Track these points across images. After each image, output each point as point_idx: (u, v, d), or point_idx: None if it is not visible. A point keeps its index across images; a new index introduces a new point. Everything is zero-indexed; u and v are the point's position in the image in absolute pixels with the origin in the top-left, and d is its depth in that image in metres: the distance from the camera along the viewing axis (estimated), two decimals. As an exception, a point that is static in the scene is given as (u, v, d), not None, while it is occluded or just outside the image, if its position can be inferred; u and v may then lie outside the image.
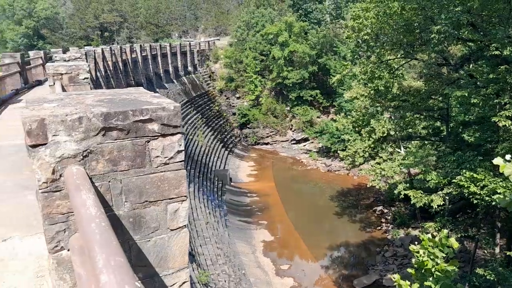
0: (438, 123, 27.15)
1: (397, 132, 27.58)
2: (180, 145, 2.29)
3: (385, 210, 33.26)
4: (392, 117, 27.59)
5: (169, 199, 2.32)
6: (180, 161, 2.31)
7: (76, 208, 1.61)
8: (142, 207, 2.25)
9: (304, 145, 47.39)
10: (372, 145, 28.75)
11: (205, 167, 37.56)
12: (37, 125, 1.93)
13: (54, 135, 1.97)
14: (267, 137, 49.30)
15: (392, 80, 19.59)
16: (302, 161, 44.95)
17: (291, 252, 28.65)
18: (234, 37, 52.79)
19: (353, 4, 41.75)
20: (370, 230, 30.96)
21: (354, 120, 28.96)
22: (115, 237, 1.34)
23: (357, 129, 30.57)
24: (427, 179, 19.20)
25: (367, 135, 28.52)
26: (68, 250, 2.11)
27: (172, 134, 2.25)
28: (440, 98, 22.42)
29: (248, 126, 50.06)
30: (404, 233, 29.06)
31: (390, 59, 18.97)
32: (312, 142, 47.00)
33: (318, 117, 47.83)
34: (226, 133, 48.41)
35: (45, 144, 1.96)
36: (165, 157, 2.25)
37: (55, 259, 2.09)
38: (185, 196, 2.37)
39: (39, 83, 18.34)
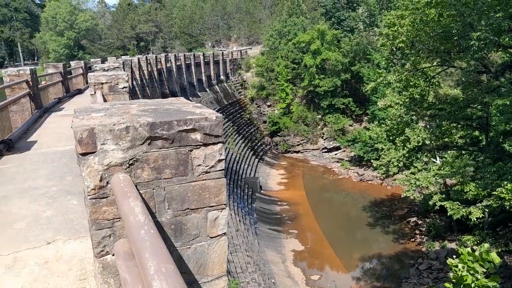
0: (476, 133, 26.19)
1: (432, 142, 26.77)
2: (221, 154, 2.33)
3: (420, 222, 32.30)
4: (428, 126, 26.85)
5: (210, 207, 2.36)
6: (221, 170, 2.35)
7: (125, 215, 1.66)
8: (184, 215, 2.30)
9: (335, 154, 46.83)
10: (407, 155, 28.02)
11: (236, 175, 37.78)
12: (87, 134, 2.02)
13: (102, 144, 2.05)
14: (298, 145, 49.06)
15: (428, 88, 19.08)
16: (333, 170, 44.42)
17: (322, 262, 28.25)
18: (266, 46, 53.14)
19: (387, 11, 41.18)
20: (403, 242, 30.12)
21: (388, 129, 28.37)
22: (164, 244, 1.38)
23: (391, 138, 29.92)
24: (465, 191, 18.51)
25: (402, 144, 27.84)
26: (113, 255, 2.18)
27: (214, 144, 2.29)
28: (479, 107, 21.65)
29: (278, 134, 50.05)
30: (440, 245, 28.09)
31: (426, 67, 18.51)
32: (344, 151, 46.37)
33: (350, 125, 47.21)
34: (256, 141, 48.58)
35: (94, 152, 2.04)
36: (206, 166, 2.29)
37: (101, 263, 2.17)
38: (224, 204, 2.40)
39: (79, 91, 19.10)
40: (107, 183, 2.09)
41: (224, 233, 2.46)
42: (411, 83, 18.50)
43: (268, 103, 52.77)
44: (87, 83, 22.68)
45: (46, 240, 3.99)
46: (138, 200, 1.75)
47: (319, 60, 45.51)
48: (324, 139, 48.39)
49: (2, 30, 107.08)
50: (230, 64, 57.22)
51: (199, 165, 2.28)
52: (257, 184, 38.23)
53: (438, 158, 27.30)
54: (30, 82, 11.98)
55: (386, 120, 30.93)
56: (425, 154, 28.18)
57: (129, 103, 2.76)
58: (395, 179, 30.93)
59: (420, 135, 26.21)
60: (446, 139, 26.40)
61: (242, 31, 73.24)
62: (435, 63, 19.46)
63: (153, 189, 2.20)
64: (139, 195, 1.87)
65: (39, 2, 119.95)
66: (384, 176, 31.95)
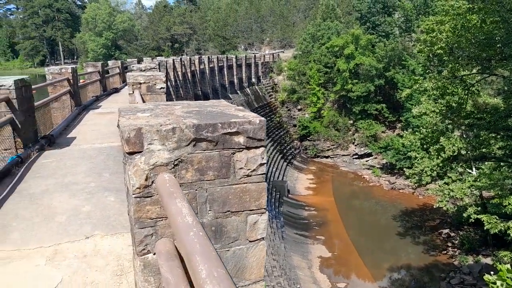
0: (517, 144, 25.06)
1: (469, 152, 25.83)
2: (263, 158, 2.32)
3: (452, 234, 31.24)
4: (464, 136, 25.94)
5: (250, 210, 2.35)
6: (262, 174, 2.35)
7: (172, 216, 1.68)
8: (224, 217, 2.31)
9: (366, 161, 46.01)
10: (441, 164, 27.16)
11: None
12: (135, 133, 2.05)
13: (149, 144, 2.08)
14: (328, 150, 48.51)
15: (466, 96, 18.44)
16: (364, 177, 43.66)
17: (349, 270, 27.80)
18: (299, 49, 52.96)
19: (424, 17, 40.19)
20: (434, 254, 29.22)
21: (422, 137, 27.60)
22: (213, 247, 1.38)
23: (425, 146, 29.11)
24: (504, 204, 17.75)
25: (436, 153, 27.00)
26: (154, 254, 2.20)
27: (256, 147, 2.29)
28: (522, 117, 20.73)
29: (308, 138, 49.67)
30: (473, 260, 27.05)
31: (465, 75, 17.90)
32: (376, 158, 45.49)
33: (383, 132, 46.30)
34: (285, 144, 48.42)
35: (140, 152, 2.08)
36: (248, 169, 2.29)
37: (142, 261, 2.20)
38: (264, 208, 2.39)
39: (116, 90, 19.65)
40: (152, 182, 2.12)
41: (263, 238, 2.44)
42: (448, 91, 17.91)
43: (299, 107, 52.55)
44: (123, 82, 23.30)
45: (85, 235, 4.10)
46: (184, 201, 1.76)
47: (352, 65, 44.93)
48: (355, 145, 47.65)
49: (44, 29, 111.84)
50: (262, 67, 57.40)
51: (241, 168, 2.28)
52: (285, 188, 38.08)
53: (474, 169, 26.32)
54: (71, 80, 12.43)
55: (421, 128, 30.15)
56: (460, 164, 27.23)
57: (173, 104, 2.80)
58: (427, 189, 30.06)
59: (456, 145, 25.33)
60: (483, 150, 25.40)
61: (275, 34, 73.34)
62: (474, 71, 18.78)
63: (195, 190, 2.21)
64: (185, 196, 1.89)
65: (80, 3, 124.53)
66: (416, 185, 31.05)
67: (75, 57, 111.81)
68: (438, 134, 26.07)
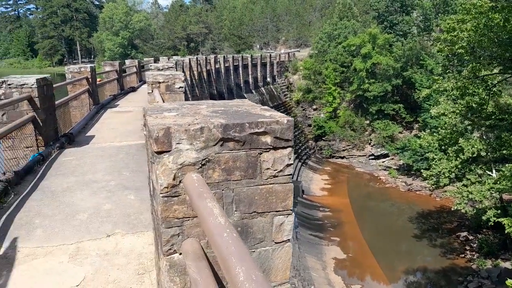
0: (540, 146, 24.44)
1: (489, 153, 25.29)
2: (290, 158, 2.28)
3: (470, 237, 30.63)
4: (484, 137, 25.39)
5: (276, 211, 2.32)
6: (289, 175, 2.31)
7: (203, 216, 1.66)
8: (250, 218, 2.28)
9: (383, 161, 45.45)
10: (460, 166, 26.66)
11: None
12: (163, 133, 2.04)
13: (177, 143, 2.07)
14: (343, 150, 48.09)
15: (488, 97, 18.04)
16: (380, 178, 43.16)
17: (364, 272, 27.53)
18: (315, 49, 52.65)
19: (443, 15, 39.52)
20: (451, 257, 28.70)
21: (440, 138, 27.13)
22: (248, 249, 1.35)
23: (443, 147, 28.60)
24: (525, 207, 17.31)
25: (454, 155, 26.52)
26: (180, 254, 2.19)
27: (283, 148, 2.25)
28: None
29: (323, 138, 49.29)
30: (492, 264, 26.48)
31: (487, 75, 17.50)
32: (392, 159, 44.90)
33: (400, 132, 45.65)
34: (300, 144, 48.18)
35: (169, 151, 2.07)
36: (274, 170, 2.26)
37: (168, 261, 2.19)
38: (290, 209, 2.36)
39: (133, 89, 19.84)
40: (180, 182, 2.11)
41: (289, 240, 2.41)
42: (469, 91, 17.54)
43: (314, 107, 52.23)
44: (140, 81, 23.52)
45: (106, 233, 4.12)
46: (215, 201, 1.74)
47: (369, 64, 44.45)
48: (372, 146, 47.13)
49: (63, 29, 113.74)
50: (277, 66, 57.27)
51: (267, 168, 2.25)
52: (299, 188, 37.90)
53: (494, 171, 25.76)
54: (90, 79, 12.58)
55: (439, 128, 29.63)
56: (480, 166, 26.68)
57: (197, 104, 2.78)
58: (445, 191, 29.53)
59: (476, 146, 24.85)
60: (504, 151, 24.85)
61: (291, 33, 73.10)
62: (495, 71, 18.35)
63: (222, 190, 2.19)
64: (214, 196, 1.87)
65: (97, 3, 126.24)
66: (434, 187, 30.56)
67: (92, 56, 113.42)
68: (457, 135, 25.60)
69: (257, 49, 73.05)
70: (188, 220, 2.17)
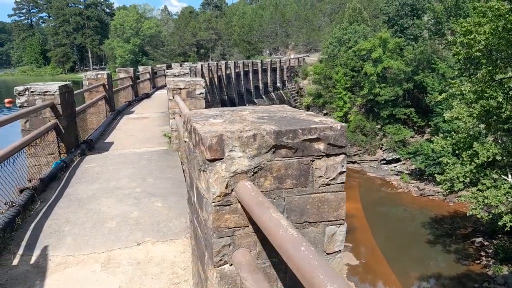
0: (558, 150, 24.02)
1: (504, 157, 24.88)
2: (343, 166, 2.20)
3: (486, 243, 30.11)
4: (500, 141, 24.99)
5: (328, 221, 2.24)
6: (341, 183, 2.23)
7: (268, 227, 1.58)
8: (301, 227, 2.20)
9: (395, 166, 45.03)
10: (474, 170, 26.26)
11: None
12: (216, 140, 1.98)
13: (230, 151, 2.00)
14: (354, 155, 47.73)
15: (505, 100, 17.75)
16: (392, 183, 42.73)
17: (376, 277, 27.20)
18: (325, 53, 52.56)
19: (455, 19, 39.20)
20: (466, 263, 28.21)
21: (454, 142, 26.77)
22: (328, 263, 1.27)
23: (457, 152, 28.22)
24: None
25: (469, 159, 26.13)
26: (231, 265, 2.12)
27: (336, 155, 2.18)
28: None
29: (334, 143, 48.91)
30: (508, 270, 25.99)
31: (504, 78, 17.23)
32: (404, 164, 44.45)
33: (411, 137, 45.23)
34: (311, 150, 47.83)
35: (221, 159, 2.00)
36: (327, 178, 2.18)
37: (219, 272, 2.12)
38: (343, 219, 2.27)
39: (147, 96, 19.93)
40: (232, 190, 2.04)
41: (341, 250, 2.32)
42: (486, 94, 17.29)
43: (324, 111, 52.04)
44: (153, 87, 23.64)
45: (136, 241, 4.07)
46: (278, 211, 1.66)
47: (380, 69, 44.21)
48: (383, 150, 46.74)
49: (75, 37, 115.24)
50: (287, 71, 57.29)
51: (320, 176, 2.17)
52: (311, 193, 37.57)
53: (510, 175, 25.33)
54: (107, 86, 12.65)
55: (452, 132, 29.25)
56: (496, 170, 26.26)
57: (238, 110, 2.72)
58: (460, 196, 29.08)
59: (491, 150, 24.46)
60: (521, 156, 24.43)
61: (300, 38, 73.11)
62: (510, 74, 18.07)
63: (274, 199, 2.12)
64: (274, 206, 1.79)
65: (108, 11, 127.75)
66: (448, 192, 30.16)
67: (103, 63, 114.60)
68: (471, 139, 25.23)
69: (266, 55, 73.16)
70: (240, 229, 2.10)
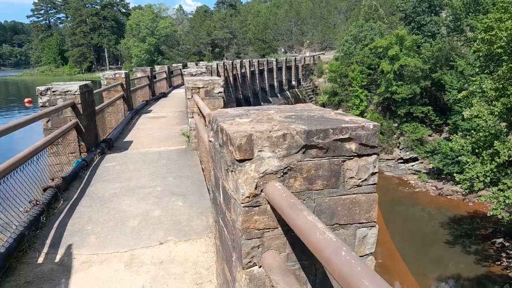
0: None
1: (526, 157, 24.26)
2: (375, 166, 2.14)
3: (507, 243, 29.47)
4: (522, 139, 24.38)
5: (359, 223, 2.18)
6: (373, 184, 2.17)
7: (303, 231, 1.53)
8: (332, 230, 2.14)
9: (412, 165, 44.38)
10: (495, 170, 25.69)
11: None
12: (245, 140, 1.94)
13: (259, 151, 1.97)
14: (371, 154, 47.16)
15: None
16: (409, 182, 42.13)
17: (393, 277, 26.83)
18: (341, 51, 52.11)
19: (474, 15, 38.38)
20: (486, 264, 27.65)
21: (474, 141, 26.23)
22: (371, 269, 1.23)
23: (477, 150, 27.65)
24: None
25: (489, 158, 25.57)
26: (260, 267, 2.08)
27: (368, 155, 2.12)
28: None
29: (350, 142, 48.51)
30: (530, 272, 25.45)
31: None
32: (422, 162, 43.78)
33: (429, 135, 44.49)
34: (327, 148, 47.55)
35: (251, 159, 1.97)
36: (359, 179, 2.12)
37: (248, 274, 2.08)
38: (374, 221, 2.21)
39: (164, 95, 20.04)
40: (261, 191, 2.00)
41: (372, 253, 2.27)
42: (507, 92, 16.87)
43: (340, 110, 51.60)
44: (170, 86, 23.77)
45: (158, 240, 4.07)
46: (312, 213, 1.62)
47: (397, 66, 43.59)
48: (400, 149, 46.10)
49: (92, 37, 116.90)
50: (302, 69, 57.00)
51: (351, 177, 2.11)
52: (327, 192, 37.36)
53: (532, 174, 24.71)
54: (125, 85, 12.75)
55: (472, 131, 28.65)
56: (517, 170, 25.63)
57: (263, 109, 2.68)
58: (480, 196, 28.52)
59: (512, 149, 23.89)
60: (543, 155, 23.79)
61: (316, 36, 72.66)
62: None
63: (303, 200, 2.07)
64: (308, 208, 1.75)
65: (124, 11, 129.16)
66: (467, 191, 29.59)
67: (119, 63, 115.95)
68: (492, 138, 24.68)
69: (281, 53, 72.94)
70: (269, 231, 2.06)
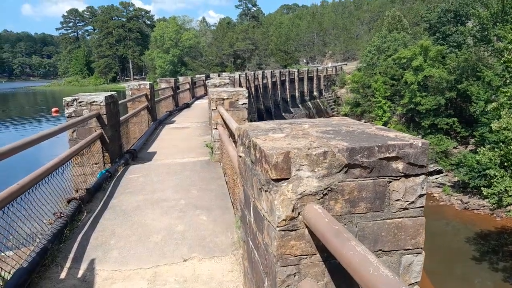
0: None
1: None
2: (423, 188, 1.95)
3: (537, 260, 28.26)
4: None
5: (404, 250, 1.99)
6: (421, 207, 1.98)
7: (352, 264, 1.36)
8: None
9: (436, 178, 43.22)
10: (525, 184, 24.77)
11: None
12: (282, 158, 1.79)
13: (297, 170, 1.80)
14: (394, 166, 46.26)
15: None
16: (433, 195, 40.99)
17: (418, 294, 25.98)
18: (363, 62, 51.65)
19: (502, 25, 37.43)
20: (515, 283, 26.50)
21: (503, 154, 25.37)
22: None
23: (505, 164, 26.72)
24: None
25: (519, 172, 24.69)
26: (296, 296, 1.90)
27: (416, 175, 1.92)
28: None
29: (373, 153, 47.76)
30: (561, 291, 24.23)
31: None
32: (447, 175, 42.60)
33: (454, 147, 43.35)
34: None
35: (287, 178, 1.80)
36: (405, 201, 1.93)
37: (284, 305, 1.90)
38: (421, 248, 2.01)
39: (187, 105, 20.13)
40: (299, 214, 1.83)
41: (417, 282, 2.06)
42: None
43: (363, 121, 50.99)
44: (193, 97, 23.91)
45: (182, 257, 3.93)
46: (361, 243, 1.44)
47: (421, 77, 42.81)
48: (424, 162, 45.00)
49: (117, 48, 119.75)
50: (324, 80, 56.72)
51: (397, 199, 1.92)
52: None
53: None
54: (149, 96, 12.82)
55: (500, 144, 27.71)
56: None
57: (297, 123, 2.53)
58: (509, 211, 27.54)
59: (544, 163, 22.99)
60: None
61: (338, 47, 72.35)
62: None
63: (345, 224, 1.89)
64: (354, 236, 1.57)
65: (149, 22, 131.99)
66: (495, 206, 28.57)
67: (143, 74, 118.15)
68: (522, 151, 23.81)
69: (303, 64, 72.83)
70: (306, 258, 1.88)
